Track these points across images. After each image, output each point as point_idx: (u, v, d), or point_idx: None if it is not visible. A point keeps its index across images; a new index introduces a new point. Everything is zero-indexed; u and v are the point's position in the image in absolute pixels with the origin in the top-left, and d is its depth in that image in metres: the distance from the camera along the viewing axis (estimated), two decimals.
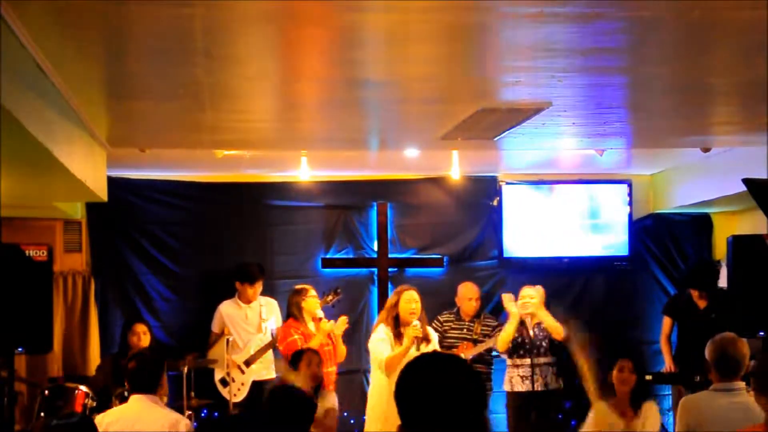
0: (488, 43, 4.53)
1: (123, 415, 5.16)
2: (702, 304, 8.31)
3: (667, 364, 8.19)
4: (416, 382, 2.27)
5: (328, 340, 7.83)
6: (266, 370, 8.36)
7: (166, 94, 5.53)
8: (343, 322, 7.95)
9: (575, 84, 5.31)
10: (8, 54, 4.00)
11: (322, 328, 7.79)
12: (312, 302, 7.94)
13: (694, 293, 8.36)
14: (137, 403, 5.12)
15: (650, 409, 6.56)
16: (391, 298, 7.59)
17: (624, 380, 6.39)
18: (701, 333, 8.13)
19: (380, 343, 7.34)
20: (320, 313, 7.87)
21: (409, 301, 7.43)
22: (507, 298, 8.12)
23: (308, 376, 6.46)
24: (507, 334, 7.97)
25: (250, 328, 8.43)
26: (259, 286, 8.53)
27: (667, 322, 8.51)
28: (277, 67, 5.05)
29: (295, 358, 6.77)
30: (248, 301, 8.51)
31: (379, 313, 7.74)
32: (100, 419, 5.24)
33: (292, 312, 8.03)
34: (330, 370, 7.71)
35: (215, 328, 8.56)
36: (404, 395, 2.27)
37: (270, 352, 8.34)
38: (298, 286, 8.15)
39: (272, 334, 8.32)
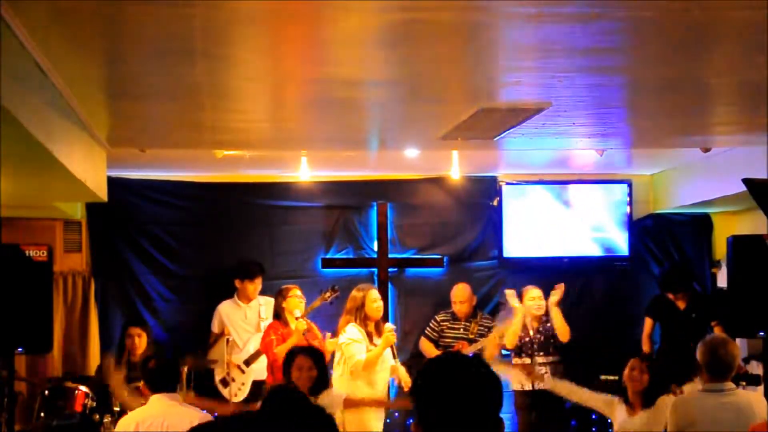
0: (488, 43, 4.52)
1: (150, 414, 5.05)
2: (681, 305, 8.47)
3: None
4: (434, 381, 2.28)
5: (305, 342, 7.73)
6: (265, 370, 8.34)
7: (166, 94, 5.53)
8: (336, 342, 7.81)
9: (575, 84, 5.31)
10: (8, 54, 4.00)
11: (298, 327, 7.72)
12: (292, 302, 7.86)
13: (671, 295, 8.46)
14: (160, 402, 5.04)
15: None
16: (356, 297, 7.54)
17: (635, 379, 6.30)
18: (683, 333, 8.25)
19: (356, 344, 7.38)
20: (297, 313, 7.80)
21: (375, 299, 7.54)
22: (510, 294, 8.15)
23: (304, 381, 6.23)
24: (514, 330, 8.03)
25: (249, 328, 8.42)
26: (258, 283, 8.54)
27: (648, 323, 8.64)
28: (276, 67, 5.05)
29: (286, 367, 6.30)
30: (248, 300, 8.51)
31: (343, 314, 7.66)
32: (127, 420, 5.14)
33: (276, 313, 8.01)
34: None
35: (215, 327, 8.57)
36: (422, 394, 2.28)
37: None
38: (283, 287, 8.12)
39: None
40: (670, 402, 6.17)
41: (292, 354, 6.18)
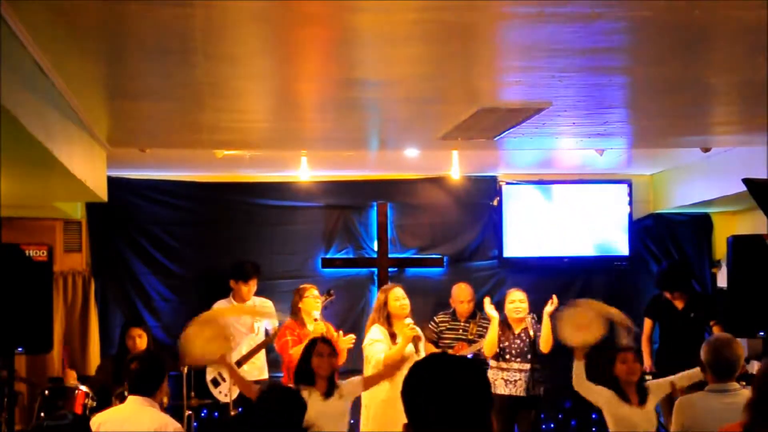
0: (488, 43, 4.53)
1: (115, 415, 5.16)
2: (680, 304, 8.48)
3: (646, 365, 8.22)
4: (424, 382, 2.28)
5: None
6: (258, 370, 8.32)
7: (166, 94, 5.53)
8: (350, 339, 7.69)
9: (575, 84, 5.31)
10: (8, 54, 4.01)
11: (316, 329, 7.69)
12: (309, 302, 7.82)
13: (668, 294, 8.46)
14: (132, 404, 5.12)
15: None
16: (379, 297, 7.54)
17: (632, 371, 6.24)
18: (682, 332, 8.26)
19: (377, 344, 7.31)
20: (316, 314, 7.77)
21: (398, 297, 7.46)
22: (487, 302, 8.05)
23: (325, 367, 6.22)
24: (491, 338, 7.87)
25: (243, 329, 8.38)
26: (253, 285, 8.51)
27: (647, 323, 8.62)
28: (276, 67, 5.05)
29: (306, 354, 6.39)
30: (242, 301, 8.48)
31: (370, 315, 7.68)
32: (95, 419, 5.25)
33: (292, 312, 8.00)
34: None
35: None
36: (412, 394, 2.28)
37: (263, 352, 8.31)
38: (300, 286, 8.09)
39: (266, 334, 8.30)
40: (655, 387, 6.18)
41: (313, 342, 6.33)
